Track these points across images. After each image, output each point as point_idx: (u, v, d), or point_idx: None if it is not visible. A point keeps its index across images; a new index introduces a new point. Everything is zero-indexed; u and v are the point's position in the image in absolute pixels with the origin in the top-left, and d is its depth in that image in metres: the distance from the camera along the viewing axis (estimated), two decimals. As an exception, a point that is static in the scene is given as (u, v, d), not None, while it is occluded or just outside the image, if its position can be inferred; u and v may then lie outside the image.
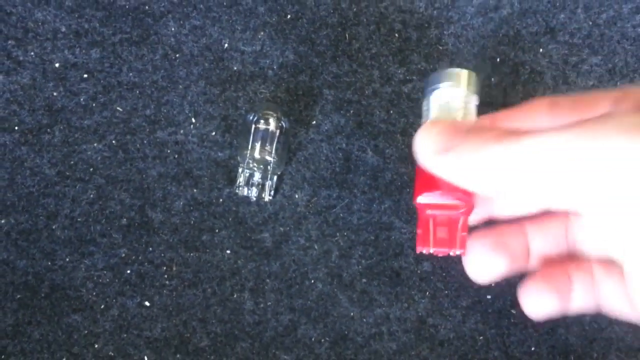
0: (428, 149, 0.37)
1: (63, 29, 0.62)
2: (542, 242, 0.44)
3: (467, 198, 0.41)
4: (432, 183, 0.41)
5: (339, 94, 0.62)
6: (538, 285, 0.41)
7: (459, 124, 0.38)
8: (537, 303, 0.41)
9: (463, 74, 0.43)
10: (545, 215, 0.45)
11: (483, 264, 0.43)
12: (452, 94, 0.43)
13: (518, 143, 0.32)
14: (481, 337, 0.58)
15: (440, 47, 0.62)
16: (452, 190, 0.40)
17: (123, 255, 0.60)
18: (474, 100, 0.44)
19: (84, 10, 0.63)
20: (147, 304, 0.59)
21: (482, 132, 0.34)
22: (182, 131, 0.61)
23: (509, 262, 0.44)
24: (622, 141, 0.28)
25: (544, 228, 0.45)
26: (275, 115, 0.59)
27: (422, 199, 0.42)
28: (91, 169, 0.61)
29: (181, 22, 0.63)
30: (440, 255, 0.45)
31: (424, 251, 0.43)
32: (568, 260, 0.43)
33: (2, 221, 0.60)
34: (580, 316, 0.58)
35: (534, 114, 0.42)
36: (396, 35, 0.63)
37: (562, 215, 0.43)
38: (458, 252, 0.43)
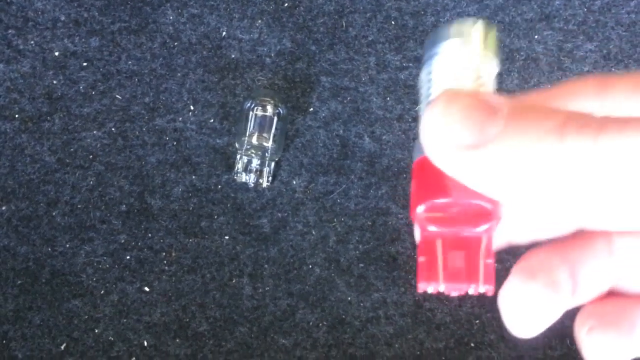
0: (448, 139, 0.23)
1: (62, 18, 0.63)
2: (589, 270, 0.29)
3: (493, 207, 0.27)
4: (441, 186, 0.27)
5: (336, 81, 0.63)
6: (603, 329, 0.26)
7: (492, 99, 0.24)
8: (606, 349, 0.26)
9: (477, 27, 0.30)
10: (585, 236, 0.32)
11: (532, 310, 0.28)
12: (464, 55, 0.29)
13: (621, 135, 0.20)
14: (477, 321, 0.58)
15: (436, 34, 0.63)
16: (471, 196, 0.27)
17: (122, 241, 0.60)
18: (494, 66, 0.30)
19: (83, 0, 0.63)
20: (146, 289, 0.60)
21: (536, 113, 0.22)
22: (180, 118, 0.62)
23: (562, 302, 0.30)
24: None
25: (588, 252, 0.31)
26: (272, 101, 0.59)
27: (424, 209, 0.28)
28: (91, 156, 0.61)
29: (179, 10, 0.63)
30: (454, 294, 0.30)
31: (430, 290, 0.29)
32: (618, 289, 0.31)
33: (3, 208, 0.60)
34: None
35: (576, 97, 0.30)
36: (392, 22, 0.63)
37: (603, 235, 0.29)
38: (482, 290, 0.28)
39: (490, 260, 0.29)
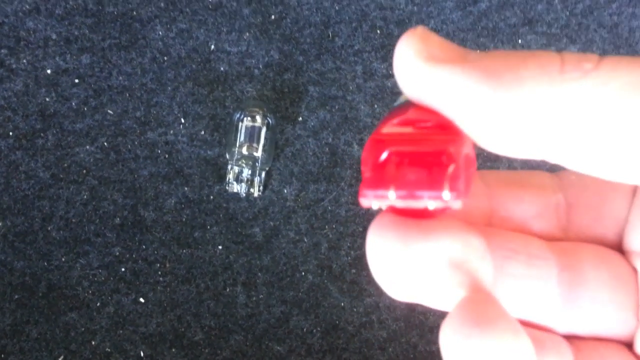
0: (423, 53, 0.20)
1: (54, 37, 0.64)
2: None
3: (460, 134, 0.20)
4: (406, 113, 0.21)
5: (324, 91, 0.64)
6: None
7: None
8: None
9: None
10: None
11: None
12: None
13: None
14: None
15: (421, 42, 0.64)
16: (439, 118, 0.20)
17: (117, 253, 0.61)
18: None
19: (73, 18, 0.65)
20: (141, 300, 0.61)
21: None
22: (171, 131, 0.63)
23: None
24: None
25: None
26: (261, 112, 0.60)
27: (388, 129, 0.20)
28: (84, 171, 0.62)
29: (168, 26, 0.65)
30: (408, 205, 0.20)
31: (375, 205, 0.20)
32: None
33: (-1, 224, 0.61)
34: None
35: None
36: (378, 31, 0.65)
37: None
38: (447, 198, 0.19)
39: (460, 169, 0.19)
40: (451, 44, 0.20)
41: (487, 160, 0.62)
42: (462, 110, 0.19)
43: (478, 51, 0.20)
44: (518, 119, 0.18)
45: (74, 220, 0.61)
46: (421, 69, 0.20)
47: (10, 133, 0.63)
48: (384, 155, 0.20)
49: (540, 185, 0.26)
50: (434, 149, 0.20)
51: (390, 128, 0.21)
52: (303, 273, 0.61)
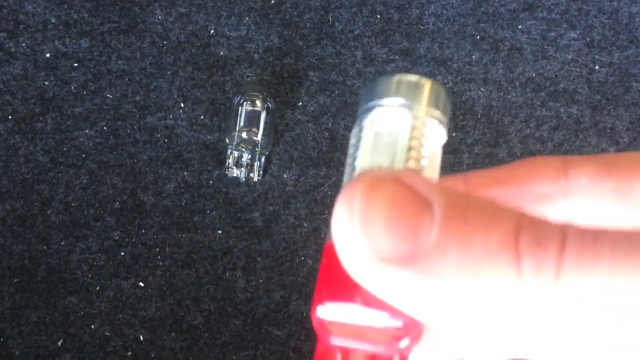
0: (366, 250, 0.17)
1: (53, 20, 0.64)
2: None
3: (409, 322, 0.20)
4: (349, 287, 0.20)
5: (324, 75, 0.63)
6: None
7: (424, 188, 0.17)
8: None
9: (423, 84, 0.22)
10: None
11: None
12: (402, 118, 0.22)
13: (582, 274, 0.16)
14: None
15: (421, 27, 0.64)
16: (384, 307, 0.20)
17: (116, 237, 0.61)
18: (440, 136, 0.22)
19: (72, 1, 0.64)
20: (141, 284, 0.61)
21: (479, 219, 0.17)
22: (171, 116, 0.63)
23: None
24: None
25: None
26: (261, 96, 0.60)
27: (325, 311, 0.20)
28: (83, 155, 0.62)
29: (167, 10, 0.64)
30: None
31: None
32: None
33: (-2, 208, 0.61)
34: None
35: (536, 182, 0.24)
36: (378, 16, 0.64)
37: None
38: None
39: None
40: (401, 210, 0.17)
41: (484, 154, 0.62)
42: (417, 312, 0.17)
43: (434, 224, 0.16)
44: (470, 324, 0.16)
45: (73, 204, 0.61)
46: (367, 273, 0.17)
47: (10, 117, 0.62)
48: (332, 342, 0.20)
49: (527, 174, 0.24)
50: (384, 353, 0.20)
51: (335, 316, 0.20)
52: (302, 258, 0.61)
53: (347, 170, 0.21)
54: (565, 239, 0.16)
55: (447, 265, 0.16)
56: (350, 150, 0.22)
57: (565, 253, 0.15)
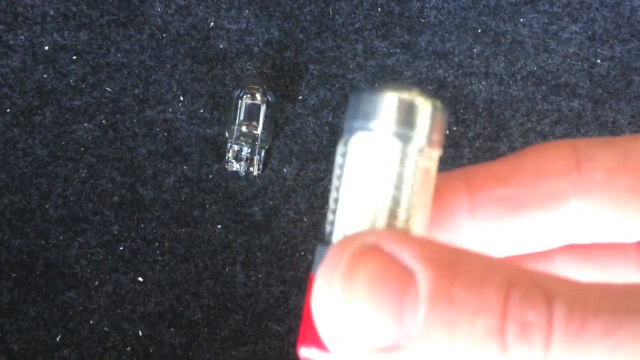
0: (350, 338, 0.16)
1: (52, 13, 0.64)
2: None
3: None
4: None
5: (324, 69, 0.63)
6: None
7: (408, 257, 0.16)
8: None
9: (418, 108, 0.19)
10: None
11: None
12: (393, 154, 0.19)
13: (572, 350, 0.15)
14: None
15: (422, 20, 0.63)
16: None
17: (115, 232, 0.61)
18: (433, 163, 0.20)
19: (71, -6, 0.64)
20: (140, 279, 0.60)
21: (466, 296, 0.15)
22: (170, 109, 0.62)
23: None
24: None
25: None
26: (260, 89, 0.60)
27: (309, 352, 0.20)
28: (82, 149, 0.62)
29: (167, 2, 0.64)
30: None
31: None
32: None
33: (-4, 202, 0.61)
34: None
35: (543, 179, 0.21)
36: (379, 9, 0.64)
37: None
38: None
39: None
40: (384, 289, 0.16)
41: (485, 148, 0.62)
42: None
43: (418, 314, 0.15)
44: None
45: (72, 199, 0.61)
46: (343, 349, 0.16)
47: (8, 110, 0.62)
48: None
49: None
50: None
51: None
52: (302, 253, 0.61)
53: (332, 194, 0.19)
54: (551, 327, 0.15)
55: (432, 353, 0.15)
56: (336, 171, 0.19)
57: (551, 347, 0.15)
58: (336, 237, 0.19)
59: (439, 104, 0.19)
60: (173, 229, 0.61)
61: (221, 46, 0.63)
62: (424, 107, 0.18)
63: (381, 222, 0.18)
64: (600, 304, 0.15)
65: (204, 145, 0.62)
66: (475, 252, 0.16)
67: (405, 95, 0.18)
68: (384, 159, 0.18)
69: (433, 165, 0.19)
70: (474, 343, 0.15)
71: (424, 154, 0.18)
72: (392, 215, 0.18)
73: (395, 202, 0.18)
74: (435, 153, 0.19)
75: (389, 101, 0.18)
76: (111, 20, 0.63)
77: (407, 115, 0.18)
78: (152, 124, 0.62)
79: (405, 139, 0.18)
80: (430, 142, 0.18)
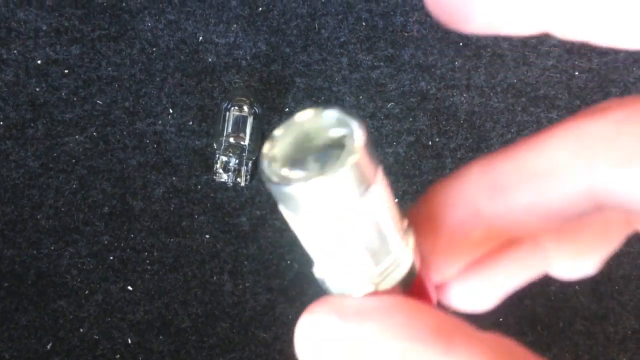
0: None
1: (44, 28, 0.65)
2: None
3: None
4: None
5: (310, 82, 0.64)
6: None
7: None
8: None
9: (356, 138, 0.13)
10: None
11: None
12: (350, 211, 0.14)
13: None
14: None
15: (406, 34, 0.65)
16: None
17: (106, 242, 0.62)
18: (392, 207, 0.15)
19: (63, 9, 0.65)
20: (130, 288, 0.61)
21: None
22: (160, 122, 0.64)
23: None
24: None
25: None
26: (248, 101, 0.61)
27: None
28: (73, 160, 0.63)
29: (157, 17, 0.65)
30: None
31: None
32: None
33: (-11, 212, 0.62)
34: (545, 287, 0.60)
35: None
36: (363, 23, 0.66)
37: None
38: None
39: None
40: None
41: (479, 147, 0.63)
42: None
43: None
44: None
45: (63, 209, 0.62)
46: None
47: (1, 123, 0.63)
48: None
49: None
50: None
51: None
52: (289, 262, 0.62)
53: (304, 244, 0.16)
54: None
55: None
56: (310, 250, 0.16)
57: None
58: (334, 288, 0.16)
59: (354, 154, 0.13)
60: (162, 239, 0.62)
61: (210, 60, 0.65)
62: (348, 171, 0.13)
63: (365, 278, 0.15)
64: None
65: (193, 156, 0.63)
66: None
67: (317, 181, 0.13)
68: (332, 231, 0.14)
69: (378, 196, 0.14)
70: None
71: (364, 200, 0.14)
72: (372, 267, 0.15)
73: (370, 255, 0.15)
74: (376, 185, 0.14)
75: (301, 193, 0.13)
76: (102, 35, 0.65)
77: (325, 198, 0.13)
78: (142, 136, 0.64)
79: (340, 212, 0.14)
80: (360, 189, 0.14)
